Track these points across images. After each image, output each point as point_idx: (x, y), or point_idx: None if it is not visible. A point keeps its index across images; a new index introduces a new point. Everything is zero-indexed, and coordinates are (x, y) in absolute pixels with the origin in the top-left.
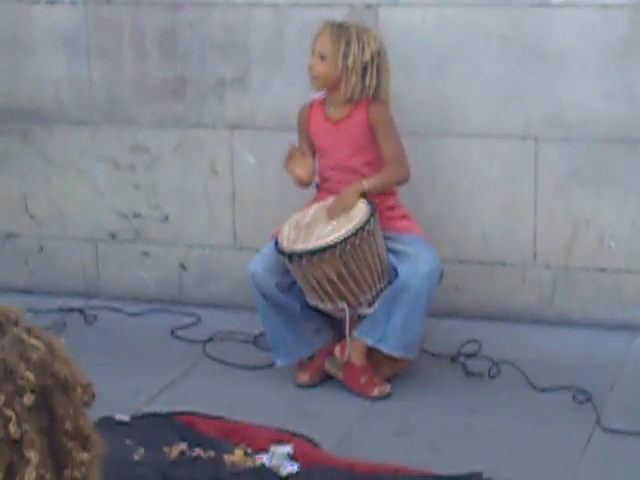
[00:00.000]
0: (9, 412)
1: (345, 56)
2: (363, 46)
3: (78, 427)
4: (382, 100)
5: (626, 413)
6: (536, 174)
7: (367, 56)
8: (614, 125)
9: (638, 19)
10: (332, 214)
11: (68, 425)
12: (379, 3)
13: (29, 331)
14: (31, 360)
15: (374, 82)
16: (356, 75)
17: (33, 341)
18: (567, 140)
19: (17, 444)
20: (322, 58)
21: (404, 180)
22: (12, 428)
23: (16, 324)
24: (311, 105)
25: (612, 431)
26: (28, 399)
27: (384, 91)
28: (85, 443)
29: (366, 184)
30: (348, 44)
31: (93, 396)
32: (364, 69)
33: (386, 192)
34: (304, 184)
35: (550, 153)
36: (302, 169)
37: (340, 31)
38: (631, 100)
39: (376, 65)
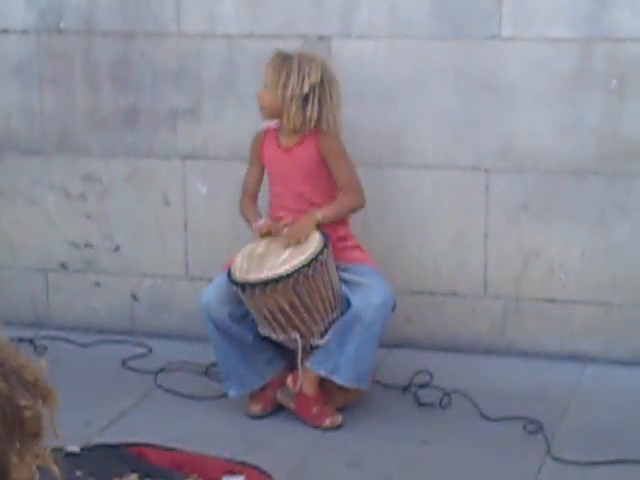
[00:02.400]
0: None
1: (284, 87)
2: (303, 78)
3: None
4: (329, 130)
5: (576, 443)
6: (487, 205)
7: (306, 88)
8: (564, 157)
9: (587, 52)
10: (287, 242)
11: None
12: (331, 35)
13: None
14: None
15: (315, 114)
16: (295, 106)
17: None
18: (518, 172)
19: None
20: (266, 88)
21: (359, 207)
22: None
23: None
24: (266, 132)
25: (562, 461)
26: None
27: (326, 122)
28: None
29: (320, 215)
30: (288, 75)
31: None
32: (305, 100)
33: (338, 222)
34: None
35: (501, 185)
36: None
37: (284, 62)
38: (581, 132)
39: (317, 96)
